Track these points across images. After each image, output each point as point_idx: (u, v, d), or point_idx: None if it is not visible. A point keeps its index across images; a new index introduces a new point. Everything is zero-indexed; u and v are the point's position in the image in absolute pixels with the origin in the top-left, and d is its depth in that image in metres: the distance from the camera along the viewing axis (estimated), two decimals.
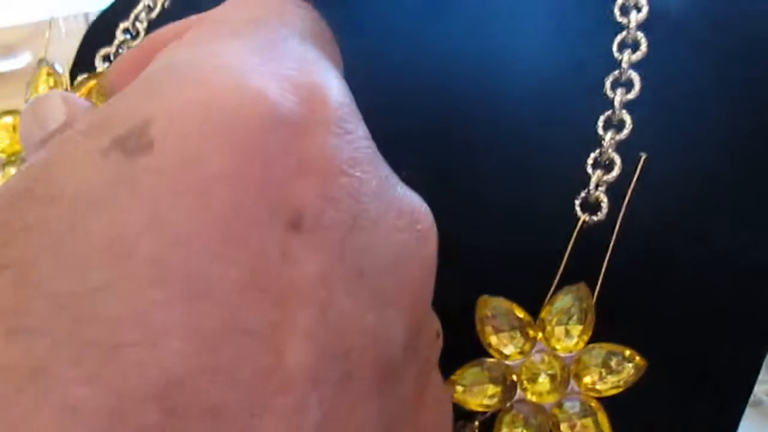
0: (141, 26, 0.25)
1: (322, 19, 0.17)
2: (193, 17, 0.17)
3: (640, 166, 0.20)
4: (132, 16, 0.26)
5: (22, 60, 1.31)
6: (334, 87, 0.13)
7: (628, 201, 0.20)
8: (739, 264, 0.21)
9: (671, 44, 0.21)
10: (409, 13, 0.22)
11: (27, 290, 0.10)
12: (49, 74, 0.22)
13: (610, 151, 0.20)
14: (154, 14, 0.25)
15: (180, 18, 0.19)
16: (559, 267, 0.20)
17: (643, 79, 0.20)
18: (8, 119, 0.21)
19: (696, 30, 0.21)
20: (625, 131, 0.20)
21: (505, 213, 0.21)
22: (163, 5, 0.25)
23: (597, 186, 0.20)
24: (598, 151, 0.21)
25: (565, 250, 0.20)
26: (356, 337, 0.12)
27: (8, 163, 0.22)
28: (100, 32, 0.27)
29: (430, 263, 0.14)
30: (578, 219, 0.20)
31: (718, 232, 0.21)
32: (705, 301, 0.21)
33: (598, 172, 0.20)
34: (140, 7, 0.26)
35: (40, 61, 0.23)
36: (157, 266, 0.10)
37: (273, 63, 0.12)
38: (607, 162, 0.21)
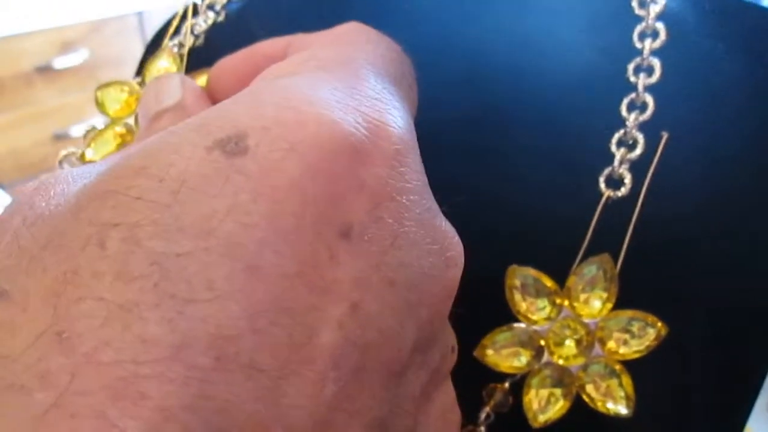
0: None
1: (404, 55, 0.19)
2: (291, 38, 0.20)
3: (661, 145, 0.21)
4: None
5: (80, 56, 1.37)
6: (398, 126, 0.15)
7: (651, 177, 0.21)
8: (757, 244, 0.22)
9: (688, 32, 0.22)
10: (442, 3, 0.24)
11: (129, 246, 0.12)
12: (169, 55, 0.25)
13: (633, 131, 0.22)
14: (184, 51, 0.27)
15: (214, 54, 0.21)
16: (585, 239, 0.22)
17: (663, 64, 0.22)
18: (126, 88, 0.25)
19: (711, 18, 0.22)
20: (648, 112, 0.22)
21: (534, 190, 0.23)
22: (194, 44, 0.27)
23: (621, 163, 0.22)
24: (622, 131, 0.22)
25: (591, 224, 0.22)
26: (376, 335, 0.14)
27: (114, 123, 0.25)
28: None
29: (451, 286, 0.16)
30: (603, 195, 0.22)
31: (736, 211, 0.22)
32: (721, 276, 0.22)
33: (622, 150, 0.22)
34: (174, 41, 0.28)
35: (161, 47, 0.25)
36: (229, 245, 0.12)
37: (352, 99, 0.15)
38: (630, 141, 0.22)
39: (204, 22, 0.26)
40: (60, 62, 1.31)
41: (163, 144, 0.14)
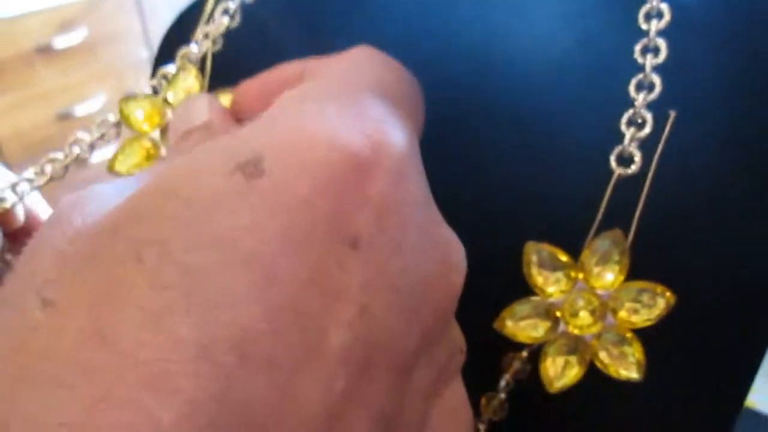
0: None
1: (408, 75, 0.20)
2: (306, 62, 0.21)
3: (669, 123, 0.22)
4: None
5: (79, 35, 1.36)
6: (399, 144, 0.17)
7: (659, 154, 0.22)
8: (759, 226, 0.23)
9: (694, 13, 0.23)
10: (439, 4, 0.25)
11: (163, 259, 0.14)
12: (195, 76, 0.26)
13: (642, 110, 0.23)
14: (205, 54, 0.27)
15: (233, 57, 0.22)
16: (596, 216, 0.23)
17: (669, 47, 0.22)
18: (148, 103, 0.25)
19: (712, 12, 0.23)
20: (656, 92, 0.23)
21: (548, 171, 0.24)
22: (212, 49, 0.27)
23: (631, 141, 0.23)
24: (631, 110, 0.23)
25: (602, 201, 0.23)
26: (382, 336, 0.15)
27: (140, 137, 0.26)
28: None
29: (454, 291, 0.18)
30: (614, 172, 0.23)
31: (739, 193, 0.23)
32: (727, 249, 0.23)
33: (632, 129, 0.23)
34: (195, 50, 0.28)
35: (181, 59, 0.26)
36: (249, 256, 0.14)
37: (357, 122, 0.16)
38: (639, 120, 0.23)
39: (218, 28, 0.27)
40: (59, 42, 1.31)
41: (191, 167, 0.15)
